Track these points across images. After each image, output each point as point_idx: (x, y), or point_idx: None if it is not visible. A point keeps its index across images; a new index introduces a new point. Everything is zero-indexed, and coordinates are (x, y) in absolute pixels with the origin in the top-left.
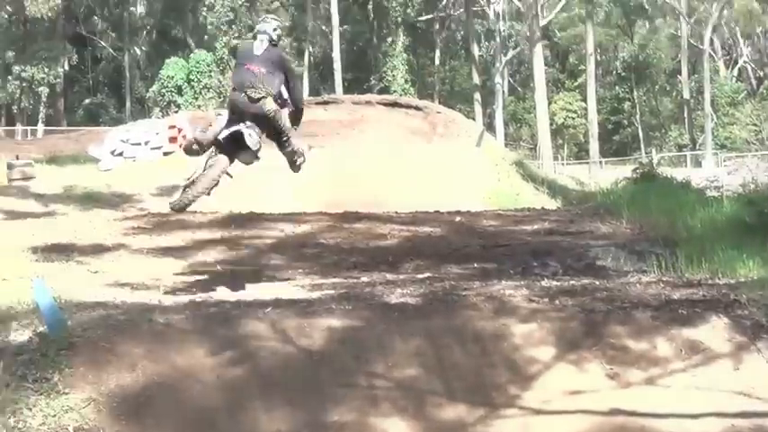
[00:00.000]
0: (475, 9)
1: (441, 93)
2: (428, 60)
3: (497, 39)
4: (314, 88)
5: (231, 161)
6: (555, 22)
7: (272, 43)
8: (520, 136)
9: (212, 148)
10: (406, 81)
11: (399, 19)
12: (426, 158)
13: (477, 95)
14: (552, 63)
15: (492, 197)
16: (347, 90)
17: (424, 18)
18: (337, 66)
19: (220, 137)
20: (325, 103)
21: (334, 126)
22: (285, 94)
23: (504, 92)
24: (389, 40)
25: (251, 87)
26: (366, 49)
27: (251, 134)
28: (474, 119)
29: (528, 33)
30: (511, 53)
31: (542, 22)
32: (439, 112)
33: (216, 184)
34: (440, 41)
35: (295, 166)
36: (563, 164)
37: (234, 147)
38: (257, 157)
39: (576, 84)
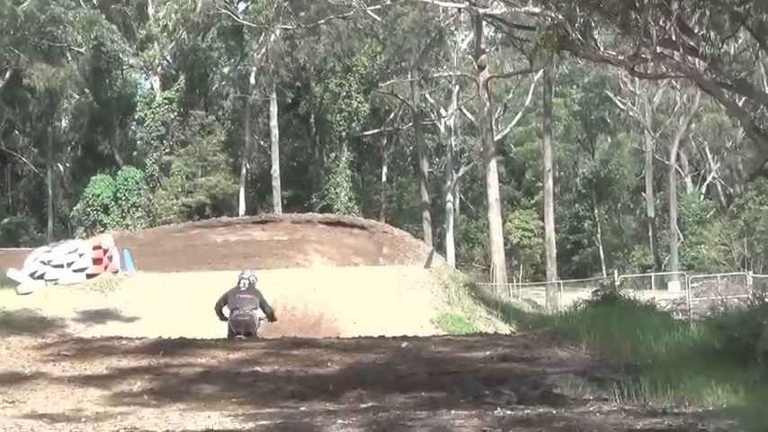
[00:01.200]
0: (425, 123)
1: (387, 211)
2: (374, 177)
3: (449, 154)
4: (251, 207)
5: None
6: (511, 136)
7: (250, 285)
8: (472, 256)
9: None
10: (350, 199)
11: (344, 133)
12: (371, 280)
13: (427, 214)
14: (507, 180)
15: (441, 321)
16: (287, 208)
17: (370, 132)
18: (276, 183)
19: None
20: (263, 222)
21: (273, 246)
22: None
23: (455, 210)
24: (332, 155)
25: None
26: (307, 164)
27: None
28: (423, 238)
29: (482, 148)
30: (463, 169)
31: (497, 137)
32: (385, 232)
33: None
34: (387, 157)
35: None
36: (518, 286)
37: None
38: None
39: (532, 201)
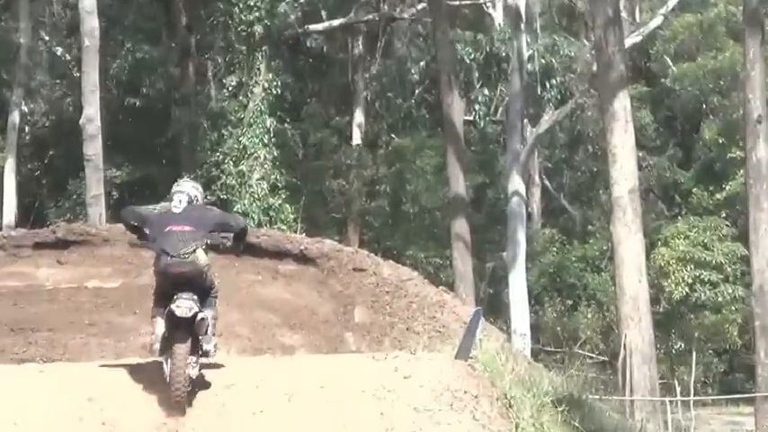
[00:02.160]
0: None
1: (366, 219)
2: (333, 137)
3: (515, 77)
4: (27, 209)
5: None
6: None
7: (190, 202)
8: (573, 326)
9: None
10: (273, 189)
11: (257, 32)
12: (332, 395)
13: (460, 226)
14: (657, 142)
15: None
16: (118, 209)
17: (319, 28)
18: (93, 150)
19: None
20: (62, 244)
21: (86, 305)
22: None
23: (530, 215)
24: (229, 83)
25: (181, 245)
26: (168, 108)
27: (179, 306)
28: (453, 284)
29: (594, 64)
30: (549, 117)
31: (630, 39)
32: (360, 270)
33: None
34: (365, 89)
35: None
36: (687, 401)
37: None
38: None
39: (719, 198)
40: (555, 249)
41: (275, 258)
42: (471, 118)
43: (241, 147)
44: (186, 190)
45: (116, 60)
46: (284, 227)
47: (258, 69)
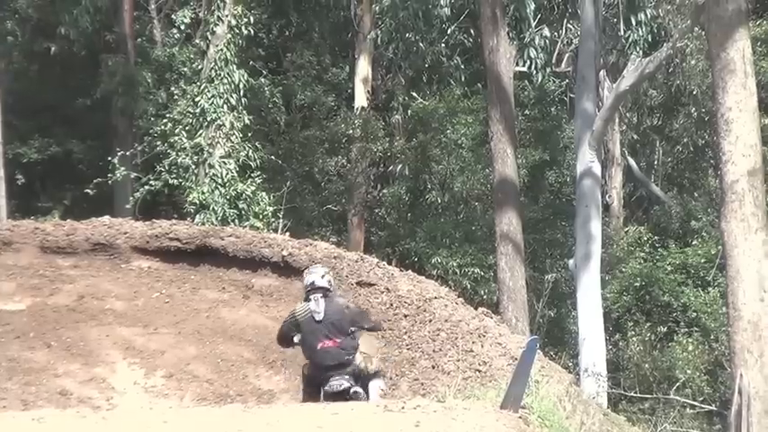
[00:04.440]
0: None
1: (378, 209)
2: (327, 102)
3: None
4: None
5: None
6: None
7: (327, 295)
8: (671, 360)
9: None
10: (245, 171)
11: None
12: None
13: (510, 222)
14: None
15: None
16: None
17: None
18: None
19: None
20: None
21: None
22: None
23: (608, 207)
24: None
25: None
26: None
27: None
28: (497, 304)
29: None
30: (637, 64)
31: None
32: (371, 284)
33: None
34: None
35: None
36: None
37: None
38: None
39: None
40: (643, 255)
41: (247, 269)
42: (524, 69)
43: (198, 111)
44: (322, 284)
45: None
46: (259, 224)
47: (221, 0)
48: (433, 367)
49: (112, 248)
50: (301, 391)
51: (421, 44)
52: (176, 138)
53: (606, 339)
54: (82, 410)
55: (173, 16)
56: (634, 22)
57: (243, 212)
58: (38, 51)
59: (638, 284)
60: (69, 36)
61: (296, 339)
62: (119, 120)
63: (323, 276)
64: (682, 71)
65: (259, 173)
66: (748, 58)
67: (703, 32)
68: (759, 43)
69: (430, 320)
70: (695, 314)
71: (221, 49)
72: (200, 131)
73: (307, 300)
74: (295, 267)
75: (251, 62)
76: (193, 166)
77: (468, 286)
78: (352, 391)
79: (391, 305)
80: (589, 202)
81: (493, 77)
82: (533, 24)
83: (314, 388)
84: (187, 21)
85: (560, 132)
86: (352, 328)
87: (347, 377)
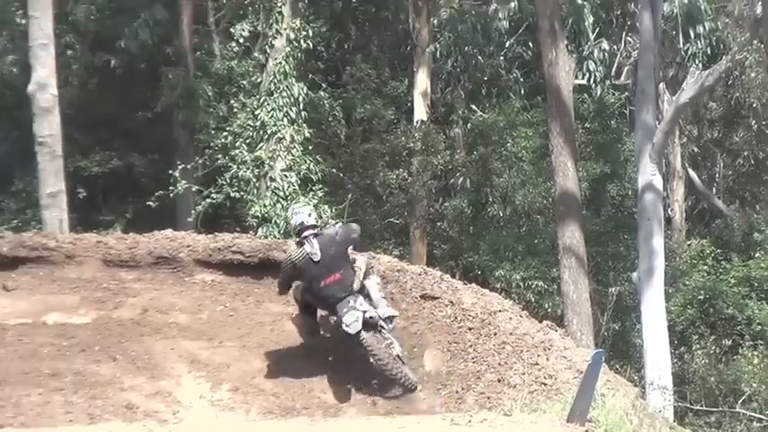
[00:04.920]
0: None
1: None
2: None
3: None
4: None
5: None
6: None
7: (317, 233)
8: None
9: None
10: (306, 185)
11: None
12: None
13: (572, 235)
14: None
15: None
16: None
17: None
18: (53, 131)
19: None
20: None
21: (45, 348)
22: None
23: (670, 220)
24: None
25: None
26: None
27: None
28: (563, 317)
29: None
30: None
31: None
32: (433, 297)
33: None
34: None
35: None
36: None
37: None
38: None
39: None
40: (706, 268)
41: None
42: (584, 82)
43: (258, 124)
44: (311, 222)
45: (79, 1)
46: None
47: (280, 14)
48: (499, 381)
49: (175, 262)
50: (298, 315)
51: (480, 57)
52: (237, 151)
53: (671, 352)
54: (148, 424)
55: (231, 30)
56: (693, 35)
57: None
58: (98, 65)
59: (701, 297)
60: (129, 49)
61: (294, 284)
62: (180, 133)
63: (310, 214)
64: (741, 84)
65: (320, 186)
66: None
67: (762, 45)
68: None
69: (495, 334)
70: (760, 327)
71: (280, 63)
72: (261, 144)
73: (300, 244)
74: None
75: (310, 75)
76: (254, 180)
77: (532, 299)
78: (367, 317)
79: (456, 318)
80: (651, 215)
81: (552, 90)
82: (592, 37)
83: (312, 313)
84: (246, 34)
85: (621, 145)
86: (349, 250)
87: (355, 305)
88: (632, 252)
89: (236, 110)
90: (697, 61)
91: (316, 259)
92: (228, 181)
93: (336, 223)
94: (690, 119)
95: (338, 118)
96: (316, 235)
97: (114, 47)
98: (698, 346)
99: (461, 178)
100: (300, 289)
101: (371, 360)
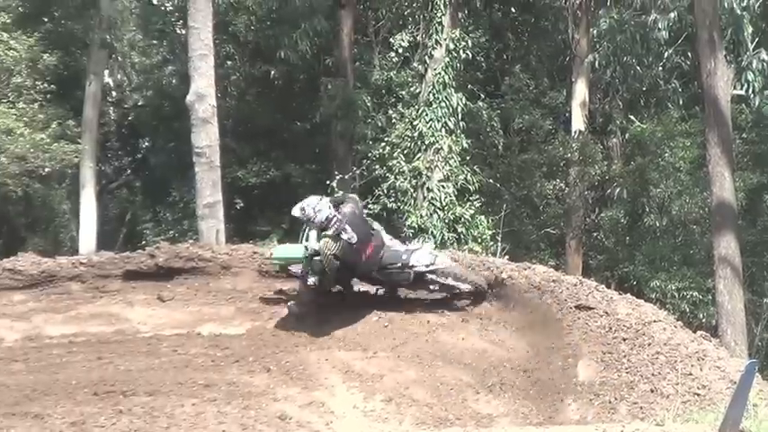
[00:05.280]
0: None
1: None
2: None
3: None
4: (108, 235)
5: None
6: None
7: (342, 218)
8: None
9: None
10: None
11: None
12: None
13: None
14: None
15: None
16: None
17: None
18: (212, 140)
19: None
20: (162, 272)
21: (211, 357)
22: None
23: None
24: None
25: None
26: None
27: None
28: None
29: None
30: None
31: None
32: (618, 313)
33: None
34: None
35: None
36: None
37: None
38: None
39: None
40: None
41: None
42: (742, 92)
43: (416, 135)
44: (333, 212)
45: (239, 12)
46: (478, 247)
47: (439, 24)
48: (652, 391)
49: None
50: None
51: (638, 67)
52: (395, 161)
53: None
54: None
55: (390, 40)
56: None
57: (461, 236)
58: (257, 75)
59: None
60: (289, 60)
61: (310, 281)
62: (338, 143)
63: (329, 206)
64: None
65: (477, 196)
66: None
67: None
68: None
69: (649, 344)
70: None
71: (439, 73)
72: (419, 155)
73: (337, 236)
74: (514, 291)
75: (469, 86)
76: (412, 190)
77: (687, 310)
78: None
79: (610, 329)
80: None
81: (710, 100)
82: (751, 48)
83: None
84: (405, 44)
85: None
86: (369, 221)
87: (408, 248)
88: None
89: (394, 120)
90: None
91: (354, 241)
92: (386, 191)
93: (337, 196)
94: None
95: (496, 128)
96: (341, 220)
97: (274, 57)
98: None
99: (618, 188)
100: (334, 272)
101: (449, 281)
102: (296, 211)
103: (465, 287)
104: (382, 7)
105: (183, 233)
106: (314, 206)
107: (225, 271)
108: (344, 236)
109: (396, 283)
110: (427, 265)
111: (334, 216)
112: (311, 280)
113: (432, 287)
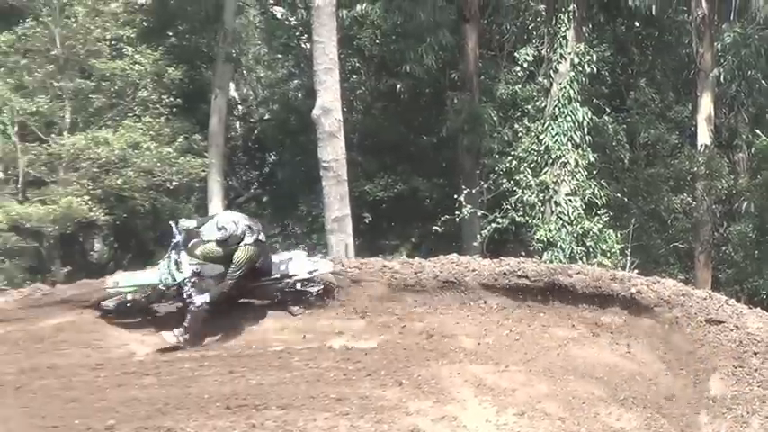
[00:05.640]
0: None
1: None
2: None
3: None
4: None
5: None
6: None
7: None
8: None
9: None
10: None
11: None
12: None
13: None
14: None
15: None
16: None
17: None
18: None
19: None
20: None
21: (342, 372)
22: None
23: None
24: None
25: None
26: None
27: None
28: None
29: None
30: None
31: None
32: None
33: None
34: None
35: None
36: None
37: None
38: None
39: None
40: None
41: (595, 306)
42: None
43: (542, 149)
44: (250, 223)
45: (364, 26)
46: (607, 261)
47: (564, 38)
48: None
49: (461, 286)
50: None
51: (763, 81)
52: (521, 175)
53: None
54: None
55: (515, 54)
56: None
57: (590, 250)
58: (383, 89)
59: None
60: (414, 74)
61: (200, 301)
62: (464, 157)
63: (245, 218)
64: None
65: (605, 211)
66: None
67: None
68: None
69: None
70: None
71: (564, 87)
72: (545, 169)
73: (257, 242)
74: (643, 304)
75: (594, 100)
76: (539, 204)
77: None
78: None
79: (740, 342)
80: None
81: None
82: None
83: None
84: (530, 59)
85: None
86: None
87: (278, 269)
88: None
89: (520, 134)
90: None
91: (264, 241)
92: (513, 205)
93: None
94: None
95: (622, 142)
96: (251, 228)
97: (399, 71)
98: None
99: (745, 202)
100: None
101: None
102: (218, 235)
103: (315, 289)
104: (506, 21)
105: (313, 247)
106: (236, 221)
107: (355, 284)
108: (262, 237)
109: (269, 294)
110: (310, 272)
111: (249, 227)
112: (201, 299)
113: (306, 296)
